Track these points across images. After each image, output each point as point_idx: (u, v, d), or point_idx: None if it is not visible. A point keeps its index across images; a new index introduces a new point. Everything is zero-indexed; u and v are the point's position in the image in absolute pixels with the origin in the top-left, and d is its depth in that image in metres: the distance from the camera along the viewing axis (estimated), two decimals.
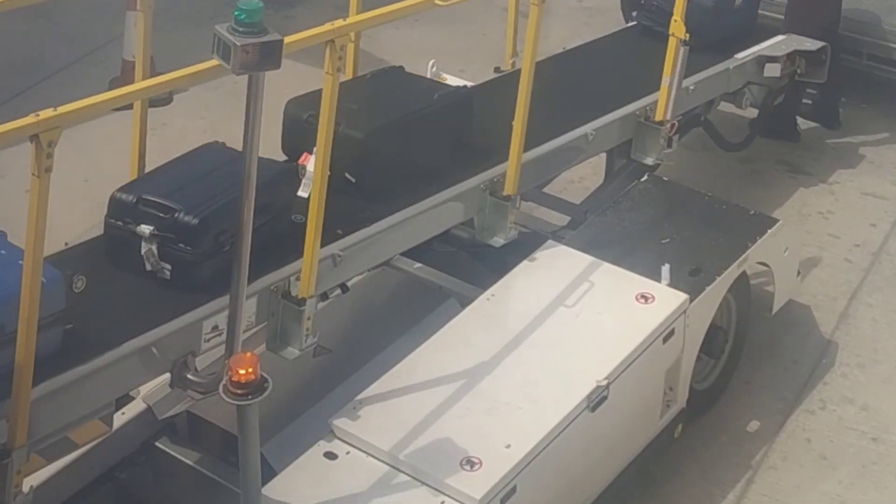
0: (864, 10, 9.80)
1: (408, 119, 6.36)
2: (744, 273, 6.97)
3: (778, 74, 8.90)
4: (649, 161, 7.71)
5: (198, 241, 5.34)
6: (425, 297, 6.64)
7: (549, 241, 6.75)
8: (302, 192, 5.75)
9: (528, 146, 6.62)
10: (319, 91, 5.35)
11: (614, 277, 6.51)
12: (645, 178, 7.53)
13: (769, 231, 7.13)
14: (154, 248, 5.34)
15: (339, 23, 5.35)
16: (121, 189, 5.50)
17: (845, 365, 7.54)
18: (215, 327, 5.32)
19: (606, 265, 6.57)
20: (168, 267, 5.35)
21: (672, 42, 7.37)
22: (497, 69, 7.98)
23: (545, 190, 7.67)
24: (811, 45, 9.07)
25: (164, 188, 5.47)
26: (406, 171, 6.28)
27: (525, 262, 6.54)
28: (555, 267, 6.54)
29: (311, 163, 5.71)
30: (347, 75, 6.95)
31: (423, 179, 6.36)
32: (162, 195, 5.41)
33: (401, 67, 6.96)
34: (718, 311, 6.80)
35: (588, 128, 7.37)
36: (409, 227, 6.26)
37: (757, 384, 7.36)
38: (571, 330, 6.14)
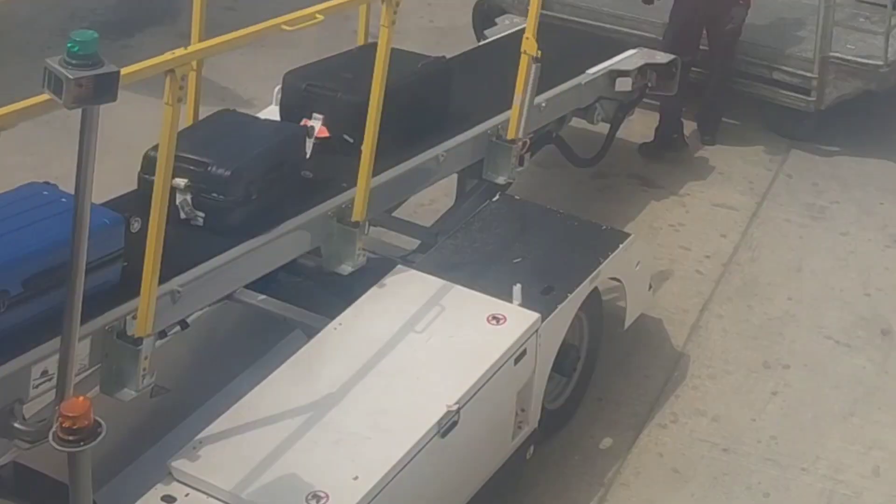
0: None
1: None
2: (595, 289, 7.00)
3: (629, 88, 8.98)
4: (501, 180, 7.73)
5: (230, 189, 6.11)
6: (270, 329, 6.56)
7: (399, 266, 6.70)
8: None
9: (376, 170, 6.57)
10: (316, 62, 6.69)
11: (465, 300, 6.48)
12: (496, 197, 7.53)
13: (621, 246, 7.17)
14: (188, 197, 6.10)
15: (179, 51, 5.26)
16: (153, 148, 5.85)
17: (696, 377, 7.62)
18: (45, 372, 5.15)
19: (457, 287, 6.55)
20: (202, 214, 6.12)
21: (524, 59, 7.39)
22: None
23: (395, 214, 7.64)
24: (662, 57, 9.18)
25: (193, 146, 6.13)
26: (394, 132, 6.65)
27: (374, 289, 6.48)
28: (404, 292, 6.50)
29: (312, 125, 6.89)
30: (189, 106, 6.88)
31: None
32: (193, 152, 6.10)
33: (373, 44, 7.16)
34: (570, 329, 6.81)
35: (439, 149, 7.36)
36: (253, 258, 6.17)
37: (609, 400, 7.40)
38: (421, 355, 6.10)
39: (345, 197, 6.61)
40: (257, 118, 6.98)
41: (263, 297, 6.46)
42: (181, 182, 6.05)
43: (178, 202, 6.07)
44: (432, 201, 8.35)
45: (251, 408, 5.66)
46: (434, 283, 6.57)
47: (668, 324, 7.97)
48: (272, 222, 6.27)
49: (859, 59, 9.54)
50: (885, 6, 9.49)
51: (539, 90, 7.68)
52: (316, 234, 6.54)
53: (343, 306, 6.35)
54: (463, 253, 6.95)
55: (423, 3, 10.95)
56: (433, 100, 7.49)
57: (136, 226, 5.65)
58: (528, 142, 7.81)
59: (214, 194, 6.12)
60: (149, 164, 6.06)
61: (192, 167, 6.10)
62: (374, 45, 6.71)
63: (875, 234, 8.95)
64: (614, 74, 8.89)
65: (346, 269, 6.57)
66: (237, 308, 6.51)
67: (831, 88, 9.63)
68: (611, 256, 7.06)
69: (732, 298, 8.26)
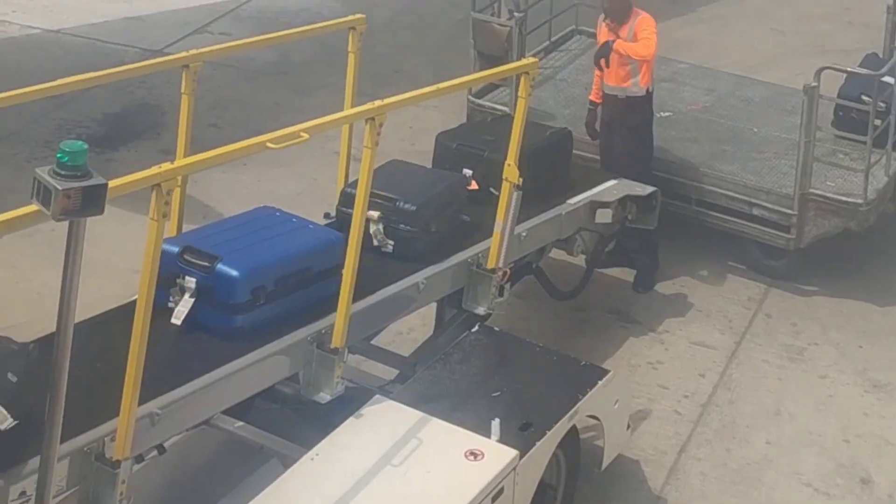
0: (691, 156, 9.94)
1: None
2: (574, 427, 6.91)
3: (609, 220, 8.96)
4: (480, 310, 7.67)
5: (415, 222, 7.31)
6: (246, 457, 6.45)
7: (377, 397, 6.64)
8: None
9: (357, 296, 6.53)
10: (464, 125, 8.19)
11: (443, 433, 6.41)
12: (476, 328, 7.49)
13: (600, 383, 7.12)
14: (381, 227, 7.30)
15: (166, 166, 5.26)
16: (348, 185, 7.48)
17: None
18: (23, 493, 5.09)
19: (435, 421, 6.48)
20: (391, 242, 7.33)
21: (505, 187, 7.38)
22: (327, 215, 7.91)
23: (373, 342, 7.56)
24: (641, 189, 9.16)
25: (384, 184, 7.22)
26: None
27: (351, 419, 6.41)
28: (382, 423, 6.42)
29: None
30: (172, 222, 6.82)
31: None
32: (384, 189, 7.25)
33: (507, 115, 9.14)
34: (548, 468, 6.72)
35: (419, 276, 7.31)
36: (231, 383, 6.11)
37: None
38: (398, 490, 6.00)
39: (325, 322, 6.52)
40: (425, 167, 7.99)
41: (241, 423, 6.40)
42: (374, 214, 7.21)
43: (371, 231, 7.20)
44: (411, 330, 8.26)
45: None
46: (412, 415, 6.50)
47: (646, 465, 7.85)
48: (445, 253, 7.47)
49: (839, 197, 9.50)
50: (865, 143, 9.50)
51: (519, 219, 7.68)
52: (295, 359, 6.48)
53: (320, 436, 6.26)
54: (441, 384, 6.89)
55: (405, 126, 10.95)
56: (560, 161, 8.86)
57: None
58: (508, 272, 7.76)
59: (402, 225, 7.31)
60: (346, 199, 7.32)
61: (383, 202, 7.26)
62: (507, 115, 8.56)
63: (854, 377, 8.88)
64: (595, 205, 8.87)
65: (324, 397, 6.51)
66: (214, 434, 6.41)
67: (811, 226, 9.57)
68: (589, 393, 7.00)
69: (711, 441, 8.15)
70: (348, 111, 7.15)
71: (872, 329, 9.43)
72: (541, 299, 8.94)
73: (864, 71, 9.88)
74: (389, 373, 7.35)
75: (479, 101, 10.40)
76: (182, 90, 7.02)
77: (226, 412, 6.25)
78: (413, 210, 7.21)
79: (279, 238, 6.79)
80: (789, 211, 9.56)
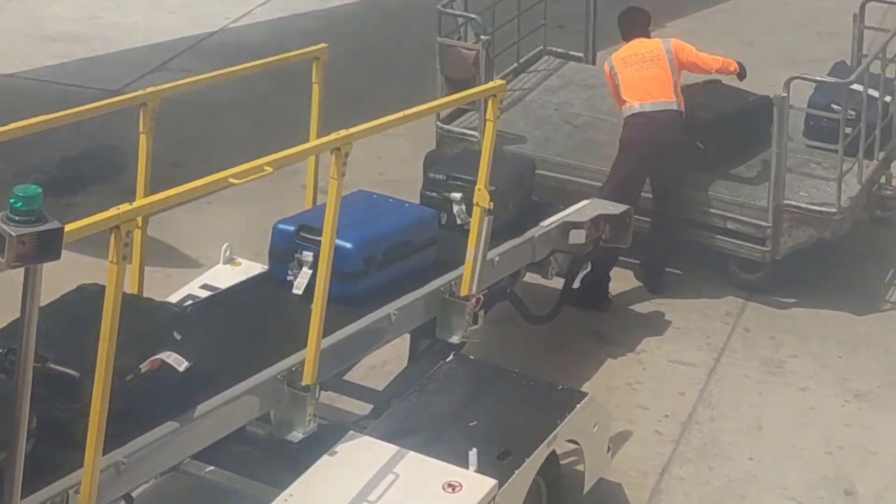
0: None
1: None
2: (553, 452, 6.85)
3: (583, 241, 8.87)
4: (455, 339, 7.59)
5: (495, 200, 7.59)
6: (219, 502, 6.34)
7: (351, 433, 6.55)
8: None
9: (327, 330, 6.45)
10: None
11: (420, 467, 6.33)
12: (450, 357, 7.42)
13: (578, 406, 7.07)
14: (463, 207, 8.00)
15: (124, 207, 5.18)
16: (432, 170, 8.53)
17: None
18: None
19: (412, 454, 6.40)
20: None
21: (476, 212, 7.32)
22: None
23: (346, 377, 7.47)
24: (615, 208, 9.10)
25: (462, 168, 8.13)
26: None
27: (325, 457, 6.32)
28: (357, 460, 6.33)
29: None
30: (134, 266, 6.73)
31: None
32: (464, 173, 8.02)
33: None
34: (528, 495, 6.63)
35: (390, 308, 7.23)
36: (200, 427, 6.00)
37: None
38: None
39: (294, 359, 6.44)
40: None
41: (211, 467, 6.30)
42: (457, 196, 8.04)
43: (454, 211, 8.05)
44: (385, 363, 8.16)
45: None
46: (388, 449, 6.43)
47: (629, 487, 7.76)
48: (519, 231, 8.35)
49: (813, 207, 9.48)
50: (836, 151, 9.47)
51: (491, 244, 7.63)
52: (265, 399, 6.38)
53: (294, 476, 6.16)
54: (417, 417, 6.83)
55: (374, 156, 10.89)
56: (762, 125, 9.78)
57: (442, 219, 8.02)
58: (482, 298, 7.68)
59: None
60: (430, 183, 8.34)
61: (463, 185, 7.98)
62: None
63: (834, 388, 8.83)
64: (567, 226, 8.80)
65: (296, 436, 6.41)
66: (184, 480, 6.30)
67: (786, 237, 9.54)
68: (568, 418, 6.95)
69: (693, 460, 8.08)
70: (313, 142, 7.08)
71: (852, 339, 9.39)
72: (516, 324, 8.86)
73: (832, 80, 9.88)
74: (363, 408, 7.26)
75: (448, 127, 10.36)
76: (140, 129, 6.94)
77: (195, 456, 6.13)
78: (492, 190, 7.49)
79: (382, 215, 7.63)
80: (764, 223, 9.54)
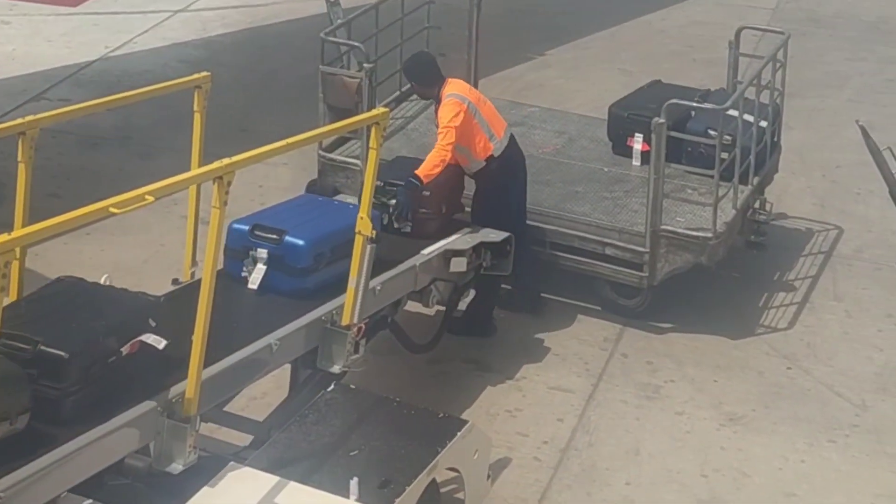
0: (543, 199, 10.00)
1: None
2: (434, 481, 6.90)
3: (464, 269, 8.97)
4: (336, 369, 7.61)
5: (427, 206, 8.87)
6: None
7: (231, 464, 6.55)
8: None
9: (208, 361, 6.43)
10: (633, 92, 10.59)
11: (301, 497, 6.34)
12: (331, 387, 7.43)
13: (458, 434, 7.12)
14: (399, 213, 8.80)
15: (2, 238, 5.14)
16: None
17: None
18: None
19: (293, 484, 6.41)
20: (410, 223, 8.86)
21: (358, 240, 7.34)
22: (175, 281, 7.82)
23: (226, 408, 7.43)
24: (495, 236, 9.18)
25: (394, 175, 8.96)
26: None
27: (206, 489, 6.31)
28: (238, 491, 6.33)
29: (636, 143, 10.41)
30: (12, 297, 6.65)
31: None
32: (394, 178, 8.95)
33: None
34: None
35: (271, 338, 7.23)
36: (77, 460, 5.95)
37: None
38: None
39: (175, 390, 6.42)
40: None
41: (90, 501, 6.21)
42: (392, 201, 8.79)
43: (391, 212, 8.79)
44: (265, 394, 8.15)
45: None
46: (268, 480, 6.43)
47: None
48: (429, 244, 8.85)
49: (689, 232, 9.59)
50: (713, 177, 9.64)
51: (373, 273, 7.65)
52: (145, 430, 6.36)
53: None
54: (297, 447, 6.83)
55: (255, 186, 10.88)
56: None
57: (384, 220, 8.86)
58: (363, 327, 7.72)
59: (421, 209, 8.99)
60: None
61: (394, 188, 8.83)
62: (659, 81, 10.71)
63: (710, 412, 8.98)
64: (449, 254, 8.87)
65: (177, 467, 6.38)
66: None
67: (663, 263, 9.64)
68: (448, 445, 7.00)
69: (571, 486, 8.16)
70: (195, 171, 7.01)
71: (727, 363, 9.56)
72: (397, 354, 8.90)
73: (709, 106, 10.00)
74: (244, 439, 7.25)
75: (330, 156, 10.35)
76: (19, 158, 6.86)
77: (73, 490, 6.05)
78: (427, 195, 8.38)
79: (328, 215, 8.26)
80: (641, 249, 9.63)
